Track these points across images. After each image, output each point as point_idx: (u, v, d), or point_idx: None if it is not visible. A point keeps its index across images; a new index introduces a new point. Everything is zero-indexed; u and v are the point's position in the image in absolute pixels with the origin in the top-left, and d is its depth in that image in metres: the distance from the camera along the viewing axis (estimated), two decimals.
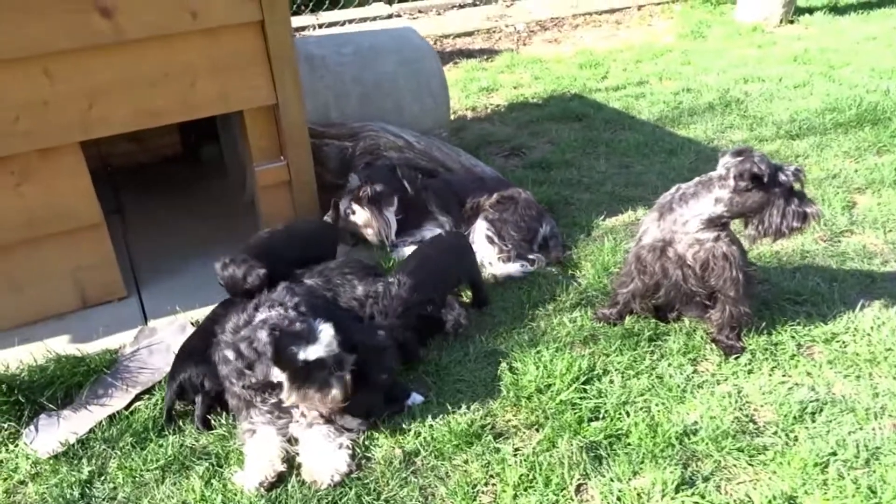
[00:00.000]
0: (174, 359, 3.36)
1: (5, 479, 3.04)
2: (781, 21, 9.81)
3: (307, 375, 2.90)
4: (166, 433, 3.20)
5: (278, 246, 3.82)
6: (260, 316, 2.97)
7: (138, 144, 6.03)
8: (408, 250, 4.36)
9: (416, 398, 3.30)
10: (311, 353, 2.84)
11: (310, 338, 2.87)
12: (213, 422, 3.25)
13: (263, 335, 2.84)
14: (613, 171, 5.67)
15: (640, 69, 8.42)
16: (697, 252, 3.44)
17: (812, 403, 3.19)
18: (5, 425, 3.27)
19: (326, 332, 2.91)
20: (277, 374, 2.91)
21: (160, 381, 3.46)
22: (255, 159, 4.23)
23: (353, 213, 4.41)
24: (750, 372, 3.43)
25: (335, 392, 2.92)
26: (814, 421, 3.11)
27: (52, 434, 3.22)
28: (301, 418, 3.05)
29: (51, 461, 3.10)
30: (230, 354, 2.95)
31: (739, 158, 3.28)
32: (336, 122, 4.91)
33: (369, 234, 4.50)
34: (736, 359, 3.49)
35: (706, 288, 3.53)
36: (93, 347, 3.70)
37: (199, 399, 3.22)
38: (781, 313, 3.80)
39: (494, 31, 10.16)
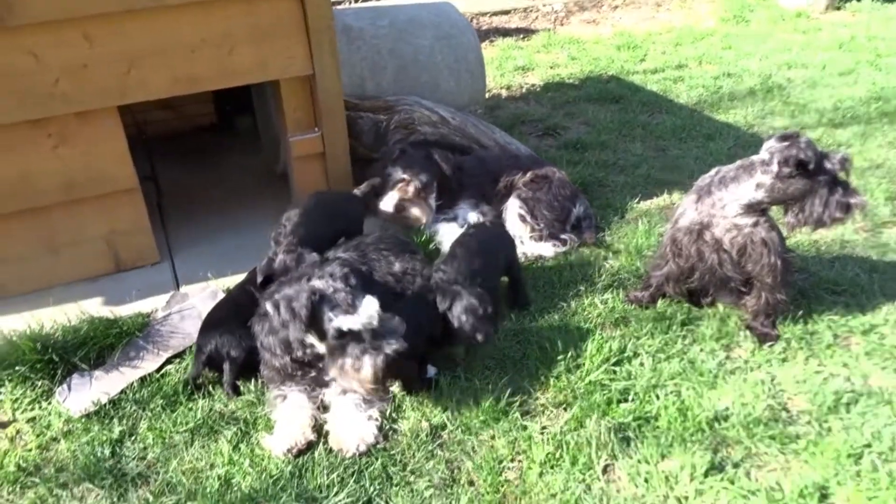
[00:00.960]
0: (200, 329, 3.37)
1: (38, 436, 3.09)
2: (827, 7, 9.58)
3: (343, 347, 2.86)
4: (196, 397, 3.23)
5: (313, 226, 3.80)
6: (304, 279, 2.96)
7: (173, 112, 6.07)
8: (441, 227, 4.35)
9: (431, 370, 3.30)
10: (344, 322, 2.82)
11: (349, 308, 2.83)
12: (241, 388, 3.27)
13: (303, 297, 2.83)
14: (649, 154, 5.59)
15: (679, 52, 8.28)
16: (735, 237, 3.37)
17: (847, 394, 3.13)
18: (39, 383, 3.32)
19: (368, 305, 2.84)
20: (317, 343, 2.91)
21: (190, 347, 3.48)
22: (290, 130, 4.23)
23: (406, 209, 4.35)
24: (784, 360, 3.37)
25: (366, 371, 2.83)
26: (848, 412, 3.05)
27: (84, 393, 3.27)
28: (336, 386, 3.05)
29: (82, 420, 3.15)
30: (270, 309, 2.92)
31: (785, 143, 3.20)
32: (371, 95, 4.88)
33: (415, 223, 4.44)
34: (770, 346, 3.43)
35: (742, 274, 3.47)
36: (125, 310, 3.74)
37: (227, 366, 3.24)
38: (819, 302, 3.72)
39: (531, 10, 10.03)
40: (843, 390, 3.15)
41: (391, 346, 2.83)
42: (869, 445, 2.85)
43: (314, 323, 2.84)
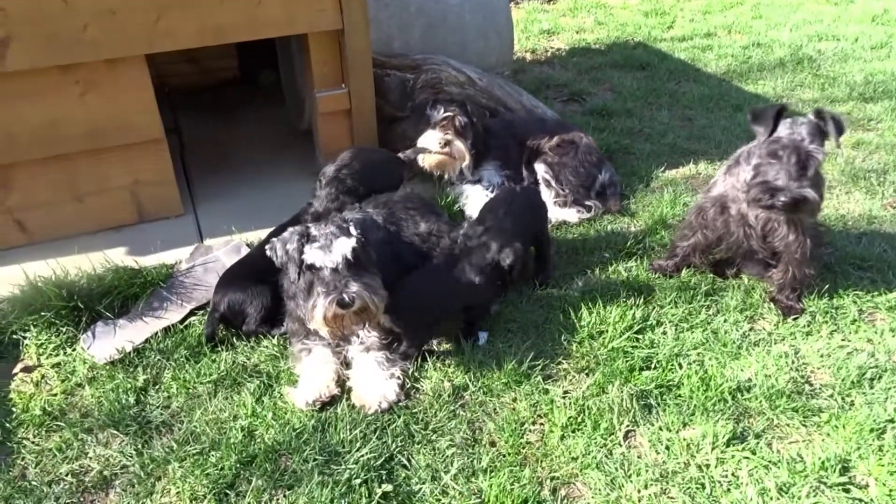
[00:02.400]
0: (216, 287, 3.36)
1: (63, 381, 3.13)
2: None
3: (311, 286, 2.84)
4: (219, 349, 3.25)
5: (356, 181, 3.78)
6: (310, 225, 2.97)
7: (196, 66, 6.03)
8: (466, 189, 4.31)
9: (482, 336, 3.31)
10: (310, 255, 2.80)
11: (323, 245, 2.81)
12: (264, 341, 3.29)
13: (294, 238, 2.85)
14: (676, 123, 5.51)
15: (707, 21, 8.13)
16: (759, 213, 3.32)
17: (871, 370, 3.11)
18: (63, 329, 3.35)
19: (339, 244, 2.81)
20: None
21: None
22: (317, 85, 4.18)
23: (451, 146, 4.25)
24: (808, 334, 3.35)
25: (318, 311, 2.77)
26: (872, 387, 3.04)
27: (108, 341, 3.29)
28: (359, 344, 3.06)
29: (107, 367, 3.18)
30: (269, 251, 2.93)
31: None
32: (398, 53, 4.81)
33: (459, 161, 4.35)
34: (795, 320, 3.41)
35: (769, 248, 3.43)
36: (149, 261, 3.76)
37: (248, 316, 3.26)
38: (845, 278, 3.69)
39: None
40: (867, 365, 3.13)
41: (348, 291, 2.77)
42: (892, 420, 2.84)
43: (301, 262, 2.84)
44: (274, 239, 2.95)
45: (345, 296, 2.76)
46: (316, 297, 2.80)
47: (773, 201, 3.06)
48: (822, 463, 2.65)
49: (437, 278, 3.32)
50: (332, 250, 2.80)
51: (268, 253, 2.95)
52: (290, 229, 2.94)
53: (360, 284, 2.80)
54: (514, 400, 2.98)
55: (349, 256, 2.81)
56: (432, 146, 4.25)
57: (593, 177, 4.36)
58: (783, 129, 3.12)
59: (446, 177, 4.40)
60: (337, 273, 2.80)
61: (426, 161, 4.30)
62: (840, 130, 3.10)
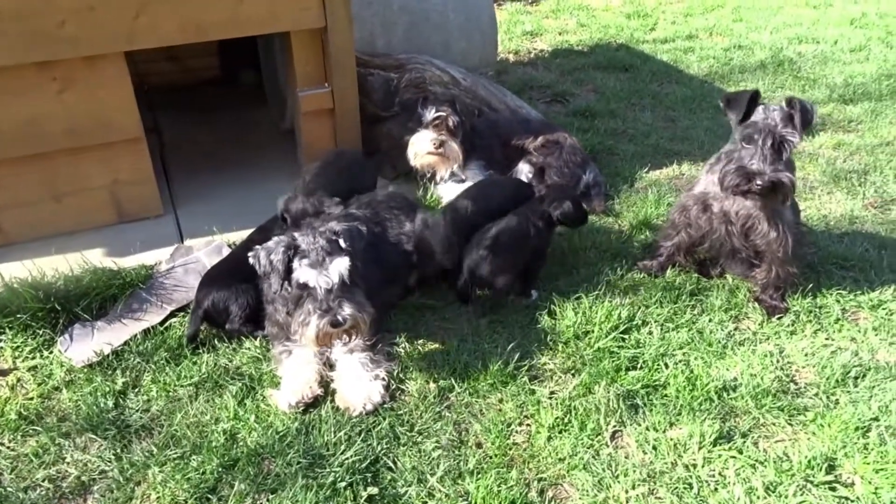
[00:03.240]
0: (199, 285, 3.31)
1: (40, 384, 3.06)
2: None
3: (301, 300, 2.80)
4: (200, 351, 3.19)
5: (332, 180, 3.77)
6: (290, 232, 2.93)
7: (176, 65, 5.95)
8: (450, 186, 4.28)
9: (534, 294, 3.52)
10: (303, 275, 2.76)
11: (316, 263, 2.77)
12: (246, 343, 3.24)
13: (280, 248, 2.80)
14: (659, 124, 5.53)
15: (689, 23, 8.17)
16: (740, 210, 3.33)
17: (855, 368, 3.13)
18: (40, 332, 3.27)
19: (336, 264, 2.77)
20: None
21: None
22: (299, 84, 4.14)
23: (445, 146, 4.20)
24: (793, 333, 3.36)
25: (310, 330, 2.74)
26: (856, 386, 3.05)
27: (86, 344, 3.22)
28: (342, 345, 3.02)
29: (85, 370, 3.11)
30: (252, 259, 2.87)
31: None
32: (382, 53, 4.78)
33: (447, 167, 4.32)
34: (779, 319, 3.42)
35: (751, 246, 3.44)
36: (129, 262, 3.69)
37: (232, 315, 3.21)
38: (828, 277, 3.71)
39: None
40: (851, 364, 3.15)
41: (342, 313, 2.74)
42: (876, 419, 2.85)
43: (289, 275, 2.80)
44: (258, 247, 2.88)
45: (339, 317, 2.74)
46: (307, 315, 2.76)
47: (749, 185, 3.05)
48: (809, 462, 2.65)
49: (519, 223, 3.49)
50: (327, 270, 2.75)
51: (250, 261, 2.88)
52: (276, 239, 2.88)
53: (354, 305, 2.77)
54: (501, 401, 2.95)
55: (345, 278, 2.78)
56: (426, 147, 4.21)
57: (577, 177, 4.36)
58: (757, 115, 3.12)
59: (438, 177, 4.36)
60: (330, 293, 2.76)
61: (419, 160, 4.27)
62: (807, 120, 3.09)
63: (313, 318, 2.74)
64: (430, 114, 4.19)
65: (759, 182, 3.03)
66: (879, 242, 3.98)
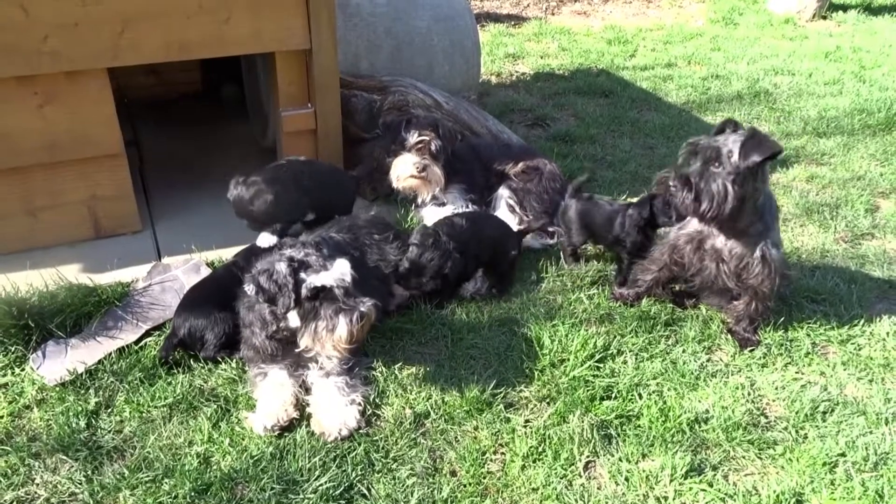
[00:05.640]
0: (177, 309, 3.29)
1: (11, 403, 3.01)
2: (815, 15, 9.68)
3: (316, 310, 2.82)
4: (175, 372, 3.17)
5: (297, 176, 3.80)
6: (276, 253, 2.93)
7: (157, 78, 5.93)
8: (431, 210, 4.31)
9: None
10: (318, 279, 2.79)
11: (321, 268, 2.81)
12: (223, 365, 3.22)
13: (282, 266, 2.80)
14: (638, 151, 5.60)
15: (668, 51, 8.31)
16: (734, 249, 3.38)
17: (824, 403, 3.18)
18: (12, 349, 3.23)
19: (340, 264, 2.83)
20: (294, 317, 2.88)
21: (171, 319, 3.41)
22: (282, 104, 4.15)
23: (428, 171, 4.23)
24: (764, 366, 3.41)
25: (341, 329, 2.79)
26: (825, 420, 3.10)
27: (59, 362, 3.19)
28: (318, 369, 3.02)
29: (57, 389, 3.07)
30: (250, 289, 2.86)
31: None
32: (365, 75, 4.81)
33: (428, 191, 4.34)
34: (751, 351, 3.47)
35: (742, 284, 3.46)
36: (105, 279, 3.66)
37: (207, 343, 3.20)
38: (799, 310, 3.77)
39: None
40: (820, 399, 3.20)
41: (365, 304, 2.81)
42: (843, 455, 2.90)
43: (297, 288, 2.81)
44: (251, 276, 2.86)
45: (363, 309, 2.80)
46: (330, 319, 2.79)
47: (680, 195, 3.17)
48: (777, 496, 2.69)
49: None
50: (340, 272, 2.81)
51: (248, 291, 2.86)
52: (265, 261, 2.87)
53: (368, 297, 2.85)
54: (476, 428, 2.96)
55: (354, 274, 2.84)
56: (408, 170, 4.24)
57: (557, 203, 4.39)
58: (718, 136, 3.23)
59: (419, 200, 4.39)
60: (347, 291, 2.81)
61: (401, 183, 4.29)
62: (752, 150, 3.10)
63: (340, 318, 2.78)
64: (412, 137, 4.22)
65: (688, 193, 3.13)
66: (850, 276, 4.06)
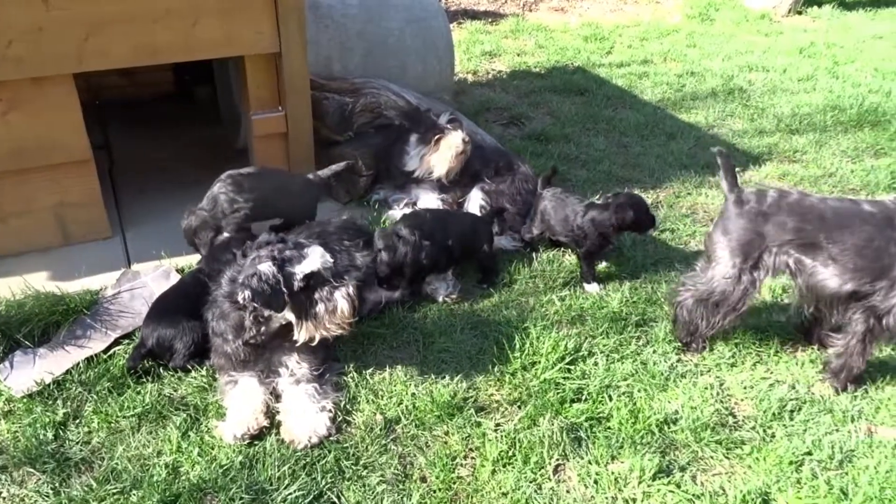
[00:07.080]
0: (145, 318, 3.26)
1: None
2: (790, 11, 9.75)
3: (310, 298, 2.86)
4: (144, 381, 3.15)
5: (260, 187, 3.83)
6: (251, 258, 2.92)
7: (129, 79, 5.86)
8: (401, 212, 4.31)
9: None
10: (305, 266, 2.82)
11: (300, 257, 2.84)
12: (192, 373, 3.21)
13: (266, 266, 2.79)
14: (612, 150, 5.62)
15: (645, 47, 8.33)
16: None
17: (791, 401, 3.22)
18: None
19: (315, 249, 2.88)
20: (287, 313, 2.89)
21: (140, 327, 3.39)
22: (253, 107, 4.12)
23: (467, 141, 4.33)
24: (733, 365, 3.44)
25: (342, 304, 2.86)
26: (792, 419, 3.14)
27: (27, 372, 3.16)
28: (289, 375, 3.02)
29: (25, 400, 3.04)
30: (244, 297, 2.83)
31: None
32: (337, 77, 4.79)
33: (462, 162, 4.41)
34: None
35: None
36: (73, 286, 3.63)
37: (176, 353, 3.18)
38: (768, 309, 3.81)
39: None
40: (788, 397, 3.24)
41: (353, 276, 2.93)
42: (810, 453, 2.94)
43: (288, 284, 2.82)
44: (240, 283, 2.84)
45: (354, 281, 2.93)
46: (327, 300, 2.86)
47: None
48: (744, 496, 2.72)
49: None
50: (321, 255, 2.86)
51: (241, 300, 2.83)
52: (247, 263, 2.86)
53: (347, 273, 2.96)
54: (447, 433, 2.97)
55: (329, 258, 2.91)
56: (460, 146, 4.29)
57: (530, 204, 4.41)
58: None
59: (391, 200, 4.48)
60: (332, 272, 2.90)
61: (450, 163, 4.35)
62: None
63: (337, 295, 2.86)
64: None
65: None
66: None
